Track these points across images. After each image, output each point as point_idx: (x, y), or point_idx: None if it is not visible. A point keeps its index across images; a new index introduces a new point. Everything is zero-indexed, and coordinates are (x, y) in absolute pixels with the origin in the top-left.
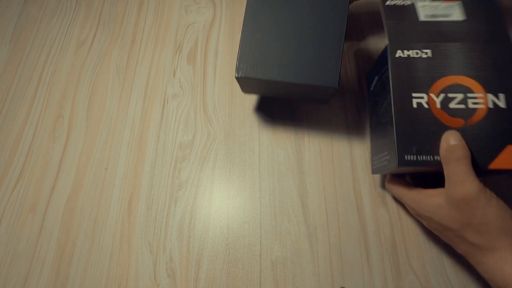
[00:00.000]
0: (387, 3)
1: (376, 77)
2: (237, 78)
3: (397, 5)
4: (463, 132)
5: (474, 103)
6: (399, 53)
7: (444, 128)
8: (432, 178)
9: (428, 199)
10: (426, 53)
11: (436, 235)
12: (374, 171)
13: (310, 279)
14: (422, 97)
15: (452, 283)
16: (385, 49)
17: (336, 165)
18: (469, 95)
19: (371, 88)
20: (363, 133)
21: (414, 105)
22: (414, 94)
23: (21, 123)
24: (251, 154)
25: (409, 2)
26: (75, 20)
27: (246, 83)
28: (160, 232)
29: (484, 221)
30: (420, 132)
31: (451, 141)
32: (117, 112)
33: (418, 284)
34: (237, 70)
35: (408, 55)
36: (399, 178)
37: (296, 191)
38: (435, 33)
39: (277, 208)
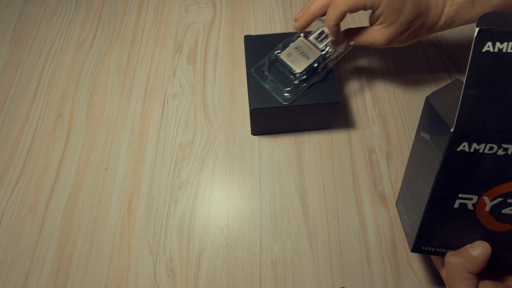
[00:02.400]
0: (485, 48)
1: (429, 136)
2: (251, 110)
3: (501, 53)
4: (502, 236)
5: None
6: (463, 146)
7: (483, 231)
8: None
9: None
10: (505, 150)
11: None
12: (396, 204)
13: (310, 279)
14: (470, 199)
15: None
16: (445, 131)
17: (336, 165)
18: None
19: (421, 135)
20: (363, 133)
21: (456, 205)
22: (461, 195)
23: (21, 123)
24: (251, 154)
25: None
26: (75, 20)
27: (258, 117)
28: (160, 232)
29: None
30: (450, 230)
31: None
32: (117, 112)
33: (418, 284)
34: (250, 103)
35: (476, 150)
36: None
37: (296, 191)
38: None
39: (277, 208)
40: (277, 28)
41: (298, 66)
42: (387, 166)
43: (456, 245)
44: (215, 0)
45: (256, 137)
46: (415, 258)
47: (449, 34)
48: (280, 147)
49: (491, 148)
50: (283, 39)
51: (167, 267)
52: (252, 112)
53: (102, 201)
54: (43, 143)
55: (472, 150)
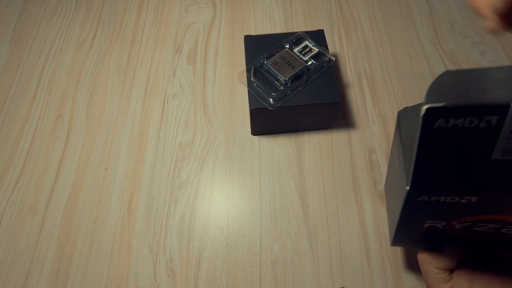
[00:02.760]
0: (437, 124)
1: (397, 163)
2: (251, 110)
3: (456, 128)
4: (477, 241)
5: (508, 231)
6: (423, 197)
7: (457, 238)
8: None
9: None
10: (468, 200)
11: None
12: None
13: (310, 279)
14: (439, 223)
15: None
16: (404, 179)
17: (336, 165)
18: (507, 226)
19: (394, 153)
20: (363, 133)
21: (425, 226)
22: (428, 221)
23: (21, 123)
24: (251, 154)
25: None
26: (75, 20)
27: (258, 117)
28: (160, 232)
29: None
30: (425, 237)
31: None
32: (117, 112)
33: (418, 284)
34: (250, 103)
35: (437, 200)
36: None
37: (296, 191)
38: (505, 176)
39: (277, 208)
40: (277, 28)
41: (284, 74)
42: (387, 166)
43: (433, 243)
44: (215, 0)
45: (256, 137)
46: (415, 258)
47: (449, 34)
48: (280, 147)
49: (452, 199)
50: (283, 39)
51: (167, 267)
52: (252, 112)
53: (102, 201)
54: (43, 143)
55: (432, 199)
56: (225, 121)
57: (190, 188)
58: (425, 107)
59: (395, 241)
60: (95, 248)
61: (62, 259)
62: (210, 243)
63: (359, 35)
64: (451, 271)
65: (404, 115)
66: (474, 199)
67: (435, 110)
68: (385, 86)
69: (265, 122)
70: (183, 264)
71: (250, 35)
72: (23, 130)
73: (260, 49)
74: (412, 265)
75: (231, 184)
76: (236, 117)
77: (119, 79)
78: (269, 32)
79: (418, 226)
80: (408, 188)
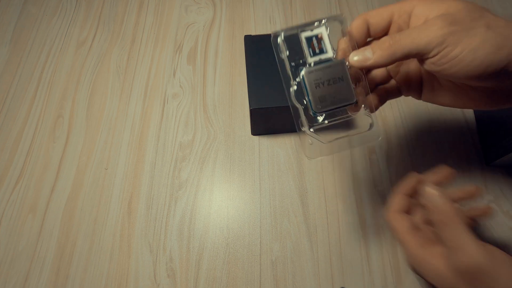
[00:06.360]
0: None
1: None
2: (251, 110)
3: None
4: None
5: None
6: None
7: None
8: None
9: (429, 261)
10: None
11: None
12: None
13: (310, 279)
14: None
15: None
16: None
17: (336, 165)
18: None
19: None
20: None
21: None
22: None
23: (21, 123)
24: (251, 154)
25: None
26: (75, 20)
27: (258, 117)
28: (160, 232)
29: None
30: None
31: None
32: (117, 112)
33: (418, 284)
34: (250, 103)
35: None
36: (404, 214)
37: (296, 191)
38: None
39: (277, 208)
40: (277, 28)
41: (316, 105)
42: (387, 166)
43: None
44: (215, 0)
45: (256, 137)
46: None
47: None
48: (280, 147)
49: None
50: None
51: (167, 267)
52: (252, 112)
53: (102, 201)
54: (43, 143)
55: None
56: (225, 121)
57: (190, 188)
58: None
59: None
60: (95, 248)
61: (62, 259)
62: (210, 243)
63: None
64: None
65: None
66: None
67: None
68: None
69: (265, 122)
70: (183, 264)
71: (250, 35)
72: (23, 130)
73: (260, 49)
74: None
75: (231, 184)
76: (236, 117)
77: (119, 79)
78: (269, 32)
79: None
80: None
